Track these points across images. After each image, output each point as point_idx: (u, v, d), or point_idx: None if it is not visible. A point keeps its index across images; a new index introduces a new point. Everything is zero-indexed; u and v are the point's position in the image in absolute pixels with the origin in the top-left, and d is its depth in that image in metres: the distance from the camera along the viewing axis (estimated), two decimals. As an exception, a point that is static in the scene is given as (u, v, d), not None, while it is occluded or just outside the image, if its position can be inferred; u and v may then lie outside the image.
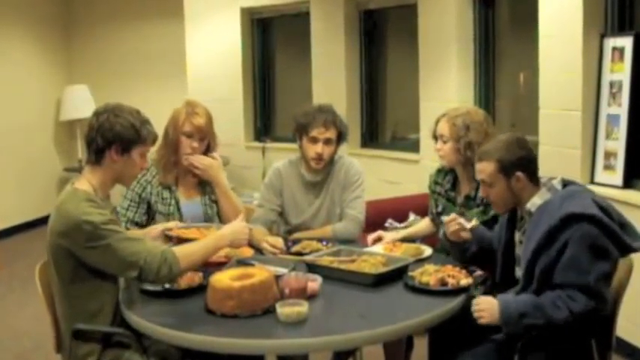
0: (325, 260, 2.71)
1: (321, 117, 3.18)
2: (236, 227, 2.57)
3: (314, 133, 3.18)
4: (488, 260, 2.70)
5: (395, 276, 2.57)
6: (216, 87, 6.83)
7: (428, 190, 3.28)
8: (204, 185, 3.18)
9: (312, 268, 2.66)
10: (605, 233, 2.28)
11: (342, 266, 2.65)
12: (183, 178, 3.15)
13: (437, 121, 3.09)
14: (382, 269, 2.59)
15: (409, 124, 5.82)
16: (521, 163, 2.45)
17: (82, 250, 2.33)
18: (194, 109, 3.09)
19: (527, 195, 2.47)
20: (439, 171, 3.21)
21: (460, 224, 2.70)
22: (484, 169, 2.49)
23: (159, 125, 2.73)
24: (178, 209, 3.08)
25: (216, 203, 3.17)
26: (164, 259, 2.33)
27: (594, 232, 2.26)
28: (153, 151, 2.93)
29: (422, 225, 3.34)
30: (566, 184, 2.50)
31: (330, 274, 2.59)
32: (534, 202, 2.45)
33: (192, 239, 2.64)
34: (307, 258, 2.75)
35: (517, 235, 2.59)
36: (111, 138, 2.41)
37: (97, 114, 2.45)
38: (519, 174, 2.44)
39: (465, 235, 2.70)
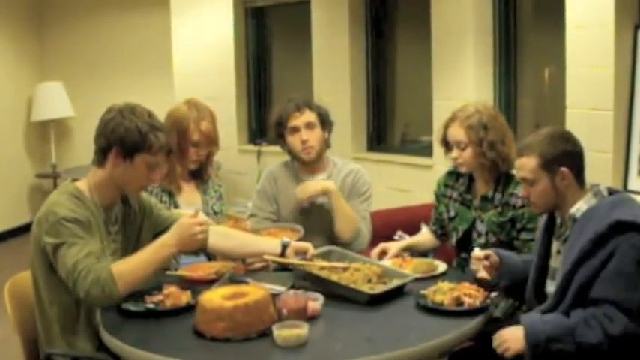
0: (315, 266, 2.71)
1: (291, 104, 3.31)
2: (180, 228, 2.49)
3: (290, 122, 3.28)
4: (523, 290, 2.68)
5: (395, 294, 2.59)
6: (206, 84, 6.84)
7: (434, 196, 3.29)
8: (205, 191, 3.28)
9: (301, 275, 2.67)
10: None
11: (334, 277, 2.65)
12: (185, 183, 3.25)
13: (446, 127, 3.11)
14: (377, 283, 2.61)
15: (421, 125, 5.83)
16: (566, 157, 2.45)
17: (42, 241, 2.42)
18: (199, 112, 3.18)
19: (571, 196, 2.45)
20: (450, 173, 3.24)
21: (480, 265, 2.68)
22: (524, 165, 2.48)
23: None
24: None
25: (216, 214, 3.23)
26: (97, 279, 2.33)
27: None
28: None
29: (427, 235, 3.35)
30: (611, 192, 2.49)
31: (319, 285, 2.60)
32: (579, 208, 2.43)
33: None
34: (295, 261, 2.74)
35: (555, 245, 2.57)
36: (113, 140, 2.46)
37: (107, 111, 2.52)
38: (564, 170, 2.43)
39: (483, 274, 2.68)
